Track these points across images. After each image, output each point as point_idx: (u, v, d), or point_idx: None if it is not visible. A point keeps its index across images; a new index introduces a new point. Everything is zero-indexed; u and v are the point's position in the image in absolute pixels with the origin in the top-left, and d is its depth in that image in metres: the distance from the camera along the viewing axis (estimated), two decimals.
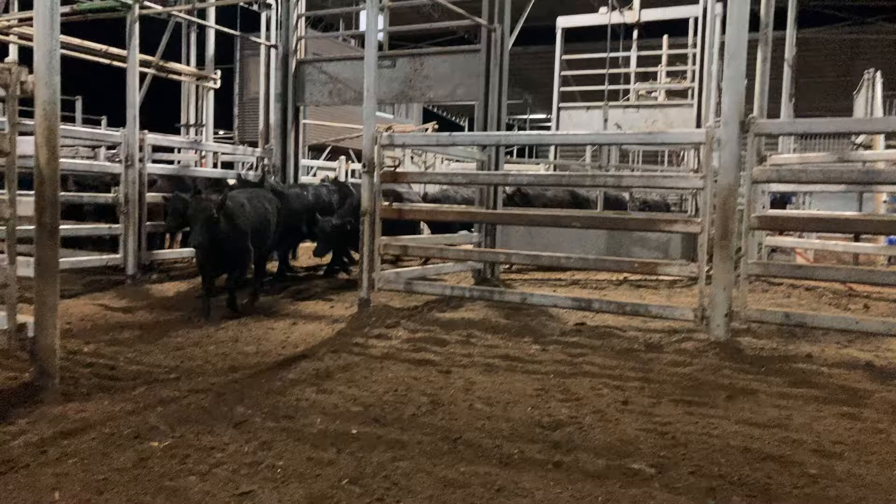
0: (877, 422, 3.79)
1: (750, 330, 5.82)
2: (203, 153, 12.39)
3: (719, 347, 5.26)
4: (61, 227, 3.98)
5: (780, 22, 9.55)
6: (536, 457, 3.21)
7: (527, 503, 2.76)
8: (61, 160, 4.02)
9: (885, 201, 11.10)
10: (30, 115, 3.94)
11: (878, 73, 12.08)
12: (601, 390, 4.28)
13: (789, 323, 5.63)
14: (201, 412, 3.68)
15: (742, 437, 3.51)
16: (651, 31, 16.48)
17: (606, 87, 13.01)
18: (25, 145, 3.89)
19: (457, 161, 15.00)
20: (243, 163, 13.26)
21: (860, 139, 11.16)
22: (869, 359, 5.14)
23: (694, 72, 13.22)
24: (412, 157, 15.30)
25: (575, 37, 15.79)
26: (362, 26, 15.78)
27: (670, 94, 16.20)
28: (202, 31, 12.96)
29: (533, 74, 26.41)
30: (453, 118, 32.98)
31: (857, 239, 9.84)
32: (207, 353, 4.98)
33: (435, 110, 30.61)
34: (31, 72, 3.76)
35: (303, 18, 9.69)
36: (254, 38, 11.88)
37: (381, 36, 9.90)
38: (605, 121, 13.01)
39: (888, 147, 11.27)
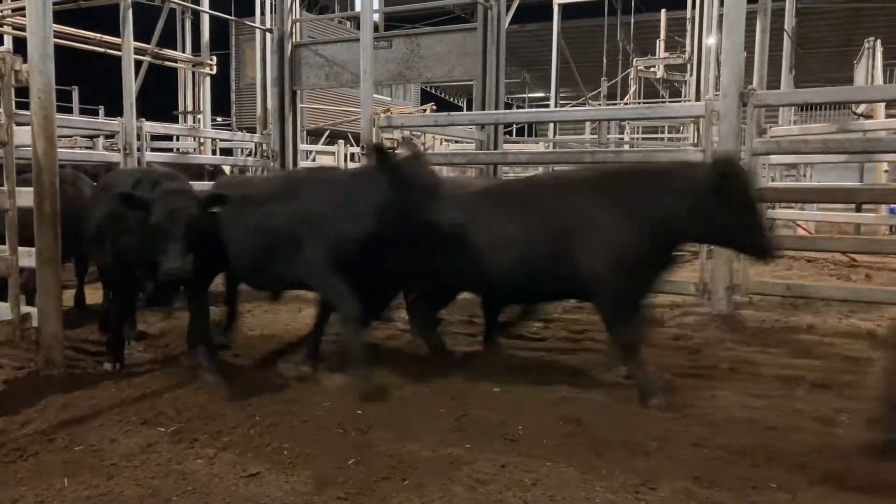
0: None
1: (752, 302, 5.83)
2: (201, 140, 12.34)
3: (721, 320, 5.26)
4: None
5: None
6: (541, 433, 3.23)
7: (532, 478, 2.78)
8: (59, 150, 4.01)
9: (885, 171, 11.03)
10: (26, 106, 3.92)
11: (878, 42, 11.91)
12: (604, 365, 4.30)
13: (790, 294, 5.64)
14: (208, 397, 3.71)
15: (745, 409, 3.54)
16: (649, 5, 16.35)
17: (605, 62, 12.91)
18: (23, 135, 3.88)
19: (456, 142, 14.94)
20: (242, 149, 13.21)
21: (861, 109, 11.06)
22: (870, 328, 5.15)
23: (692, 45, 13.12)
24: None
25: (572, 13, 15.65)
26: (357, 7, 15.64)
27: (669, 68, 16.09)
28: (197, 16, 12.86)
29: (531, 53, 26.18)
30: (451, 99, 32.74)
31: (858, 209, 9.80)
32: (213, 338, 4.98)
33: (433, 91, 30.40)
34: (25, 61, 3.75)
35: (297, 1, 9.60)
36: (249, 23, 11.81)
37: (376, 17, 9.82)
38: (603, 96, 12.91)
39: (889, 116, 11.17)
